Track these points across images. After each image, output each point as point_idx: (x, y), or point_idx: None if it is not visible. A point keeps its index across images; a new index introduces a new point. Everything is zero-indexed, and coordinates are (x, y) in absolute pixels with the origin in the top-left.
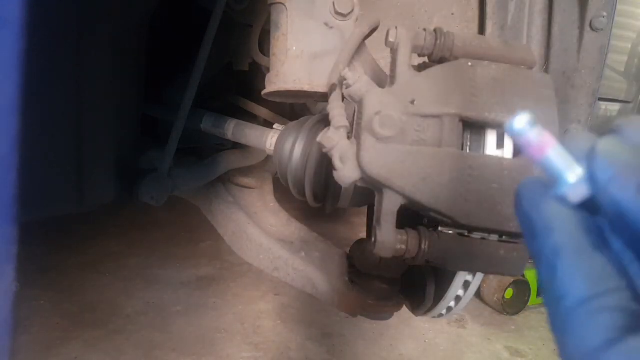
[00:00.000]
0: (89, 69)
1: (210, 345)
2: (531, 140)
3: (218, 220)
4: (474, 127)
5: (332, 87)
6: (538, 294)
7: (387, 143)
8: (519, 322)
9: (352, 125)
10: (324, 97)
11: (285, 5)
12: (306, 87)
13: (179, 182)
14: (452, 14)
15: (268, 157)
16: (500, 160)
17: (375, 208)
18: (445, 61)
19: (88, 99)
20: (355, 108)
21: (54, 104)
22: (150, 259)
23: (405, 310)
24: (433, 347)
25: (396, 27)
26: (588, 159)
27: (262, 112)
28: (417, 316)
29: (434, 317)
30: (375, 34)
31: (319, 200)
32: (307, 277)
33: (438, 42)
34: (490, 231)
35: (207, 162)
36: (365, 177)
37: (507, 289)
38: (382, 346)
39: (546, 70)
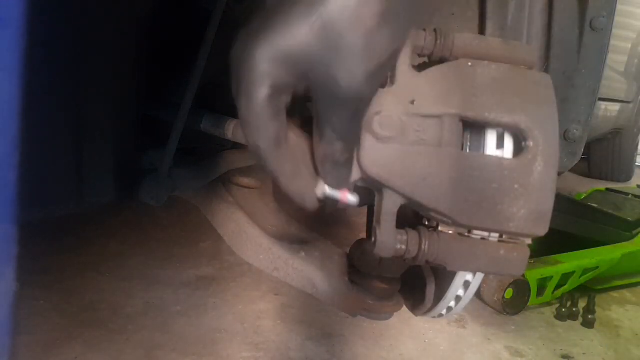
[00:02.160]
0: (89, 68)
1: (210, 345)
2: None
3: (218, 220)
4: (474, 127)
5: None
6: (538, 294)
7: (387, 143)
8: (519, 322)
9: None
10: None
11: None
12: None
13: (179, 182)
14: (452, 14)
15: None
16: (500, 160)
17: (375, 208)
18: (446, 61)
19: (88, 99)
20: None
21: (54, 104)
22: (150, 259)
23: (405, 310)
24: (433, 347)
25: None
26: None
27: None
28: (417, 316)
29: (434, 317)
30: None
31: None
32: (307, 277)
33: (438, 42)
34: (490, 231)
35: (207, 162)
36: (365, 177)
37: (507, 289)
38: (382, 346)
39: (546, 70)
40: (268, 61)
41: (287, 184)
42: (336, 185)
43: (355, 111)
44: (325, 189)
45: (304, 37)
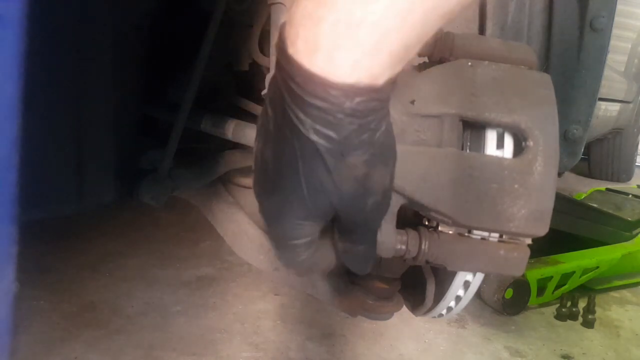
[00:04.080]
0: (89, 68)
1: (210, 345)
2: None
3: (218, 220)
4: (474, 127)
5: None
6: (538, 294)
7: None
8: (519, 322)
9: None
10: None
11: (285, 5)
12: None
13: (179, 182)
14: None
15: None
16: (500, 160)
17: None
18: (446, 61)
19: (88, 98)
20: None
21: (54, 104)
22: (150, 259)
23: (405, 310)
24: (433, 347)
25: None
26: None
27: None
28: (417, 316)
29: (434, 317)
30: None
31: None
32: (307, 277)
33: (438, 42)
34: (490, 231)
35: (207, 162)
36: None
37: (507, 289)
38: (382, 346)
39: (546, 70)
40: (301, 225)
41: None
42: (360, 272)
43: (371, 225)
44: None
45: (319, 203)
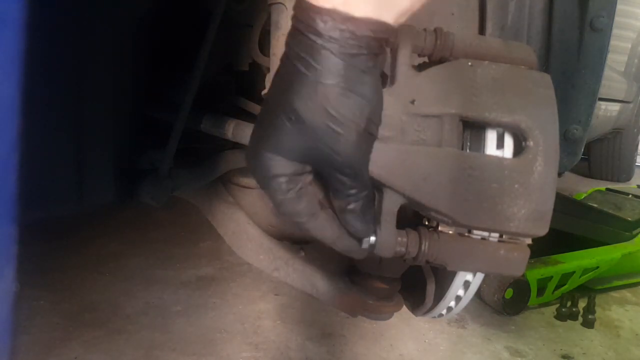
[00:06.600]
0: (89, 69)
1: (210, 345)
2: None
3: (218, 220)
4: (474, 127)
5: None
6: (538, 294)
7: (387, 143)
8: (519, 322)
9: None
10: None
11: (285, 5)
12: None
13: (179, 182)
14: (452, 14)
15: None
16: (500, 160)
17: (375, 208)
18: (446, 61)
19: (88, 99)
20: None
21: (54, 104)
22: (150, 259)
23: (405, 310)
24: (433, 347)
25: (396, 27)
26: None
27: None
28: (417, 316)
29: (434, 317)
30: None
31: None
32: (307, 277)
33: (438, 42)
34: (490, 231)
35: (207, 162)
36: None
37: (507, 289)
38: (382, 346)
39: (546, 70)
40: (273, 160)
41: (333, 245)
42: (361, 233)
43: (355, 172)
44: (370, 240)
45: (291, 136)
